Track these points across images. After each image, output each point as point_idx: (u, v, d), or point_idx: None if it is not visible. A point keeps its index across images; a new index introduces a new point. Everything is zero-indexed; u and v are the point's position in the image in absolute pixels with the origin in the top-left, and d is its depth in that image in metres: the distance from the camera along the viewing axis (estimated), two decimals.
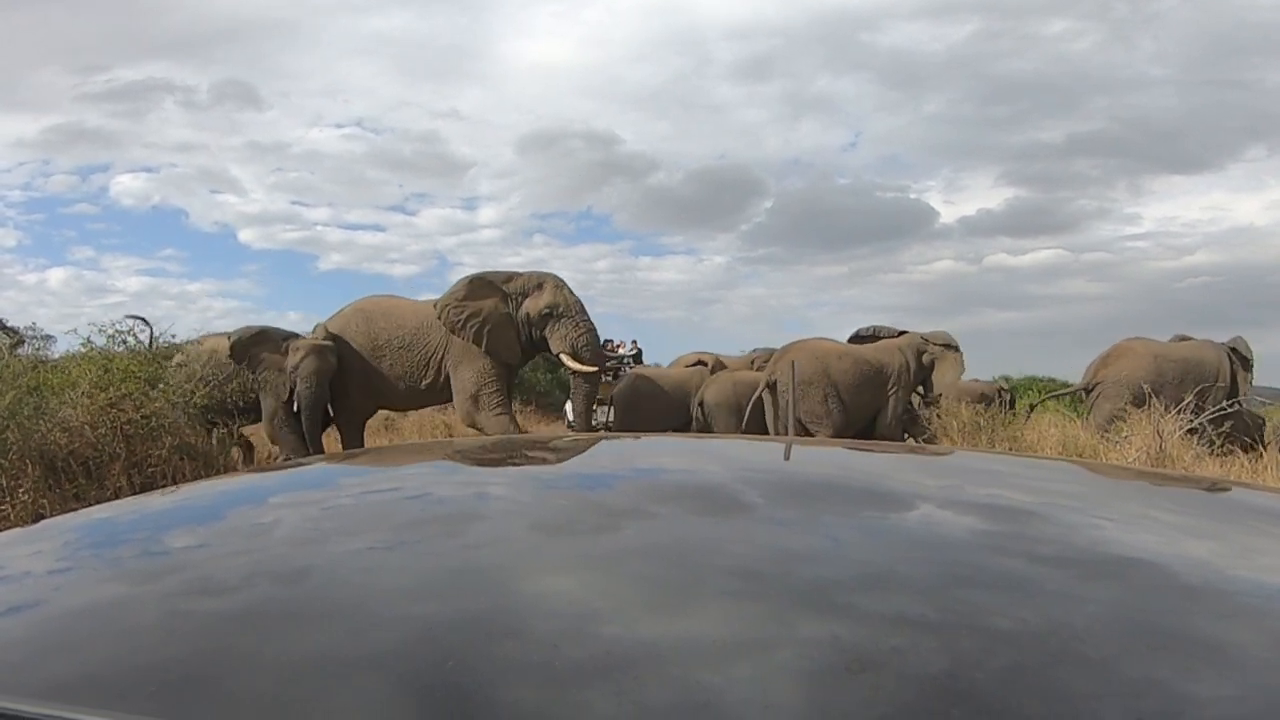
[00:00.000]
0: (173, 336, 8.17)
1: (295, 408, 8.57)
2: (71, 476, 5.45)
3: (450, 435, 10.52)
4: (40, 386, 5.88)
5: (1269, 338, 10.57)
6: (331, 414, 8.79)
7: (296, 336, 8.80)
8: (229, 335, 8.86)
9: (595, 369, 8.78)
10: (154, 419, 5.97)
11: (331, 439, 9.26)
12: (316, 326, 9.01)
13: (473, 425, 8.61)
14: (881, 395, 9.68)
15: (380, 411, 9.99)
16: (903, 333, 10.29)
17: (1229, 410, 9.19)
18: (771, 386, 9.65)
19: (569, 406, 11.11)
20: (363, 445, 8.69)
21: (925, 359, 10.03)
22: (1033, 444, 8.80)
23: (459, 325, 8.45)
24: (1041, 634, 0.56)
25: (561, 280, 8.82)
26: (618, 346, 13.15)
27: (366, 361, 8.71)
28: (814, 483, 1.06)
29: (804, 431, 9.25)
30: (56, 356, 8.53)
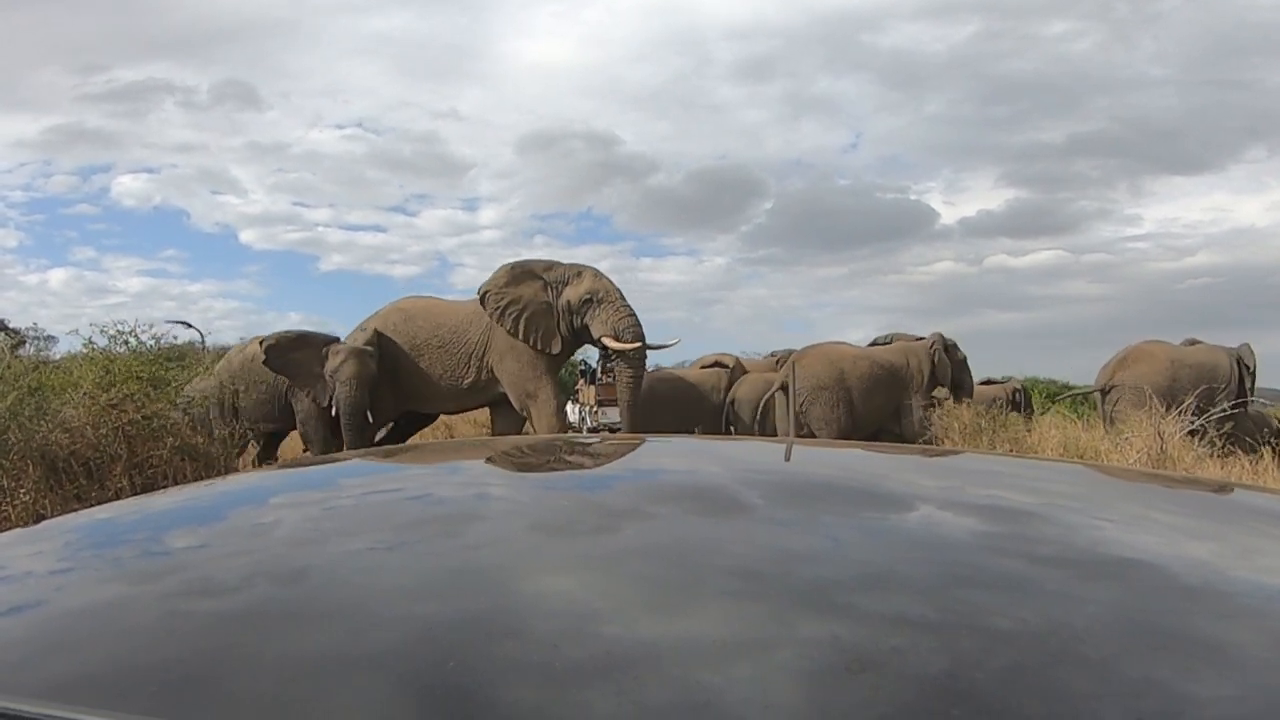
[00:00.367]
0: (174, 338, 8.16)
1: (334, 412, 8.38)
2: (73, 477, 5.46)
3: (450, 435, 10.51)
4: (42, 387, 5.89)
5: (1270, 339, 10.62)
6: (371, 419, 8.58)
7: (336, 340, 8.67)
8: (262, 341, 8.68)
9: (638, 346, 8.62)
10: (155, 420, 5.97)
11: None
12: (356, 329, 8.96)
13: (528, 416, 8.57)
14: (898, 398, 9.68)
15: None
16: (920, 338, 10.31)
17: (1232, 412, 9.20)
18: (785, 388, 9.72)
19: (570, 407, 11.09)
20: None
21: (957, 357, 10.07)
22: (1033, 446, 8.78)
23: (499, 312, 8.39)
24: (1041, 634, 0.56)
25: (599, 270, 8.80)
26: None
27: (408, 361, 8.64)
28: (814, 483, 1.06)
29: (812, 433, 9.31)
30: (58, 357, 8.54)
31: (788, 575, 0.66)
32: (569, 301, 8.54)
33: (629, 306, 8.56)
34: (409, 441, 8.86)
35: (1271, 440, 9.61)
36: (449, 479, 1.12)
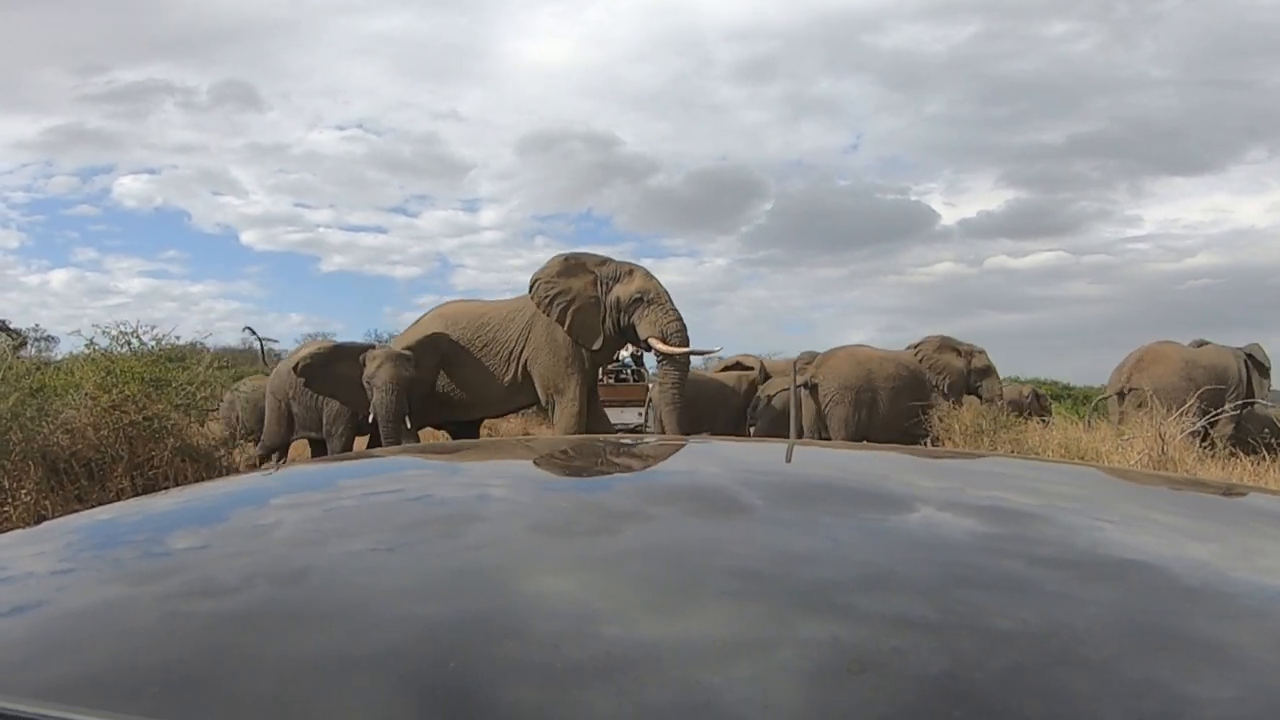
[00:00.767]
0: (176, 338, 8.15)
1: (371, 419, 8.25)
2: (74, 478, 5.47)
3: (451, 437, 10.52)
4: (43, 388, 5.90)
5: (1271, 340, 10.63)
6: (409, 425, 8.43)
7: (371, 348, 8.58)
8: (296, 365, 8.59)
9: (684, 351, 8.59)
10: (156, 421, 5.98)
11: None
12: (397, 338, 8.92)
13: (550, 413, 8.55)
14: (924, 400, 9.69)
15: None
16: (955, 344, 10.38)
17: (1233, 413, 9.20)
18: (811, 389, 9.76)
19: None
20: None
21: (975, 363, 10.09)
22: (1034, 447, 8.78)
23: (548, 302, 8.33)
24: (1042, 635, 0.56)
25: (648, 270, 8.76)
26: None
27: (453, 367, 8.58)
28: (815, 485, 1.06)
29: (831, 432, 9.35)
30: (59, 358, 8.55)
31: (788, 576, 0.66)
32: (618, 299, 8.47)
33: (677, 310, 8.52)
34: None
35: (1274, 441, 9.61)
36: (450, 480, 1.13)
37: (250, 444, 9.51)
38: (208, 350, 9.43)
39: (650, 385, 10.65)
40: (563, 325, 8.32)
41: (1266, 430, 10.05)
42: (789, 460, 1.23)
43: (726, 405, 10.56)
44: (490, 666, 0.51)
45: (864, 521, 0.85)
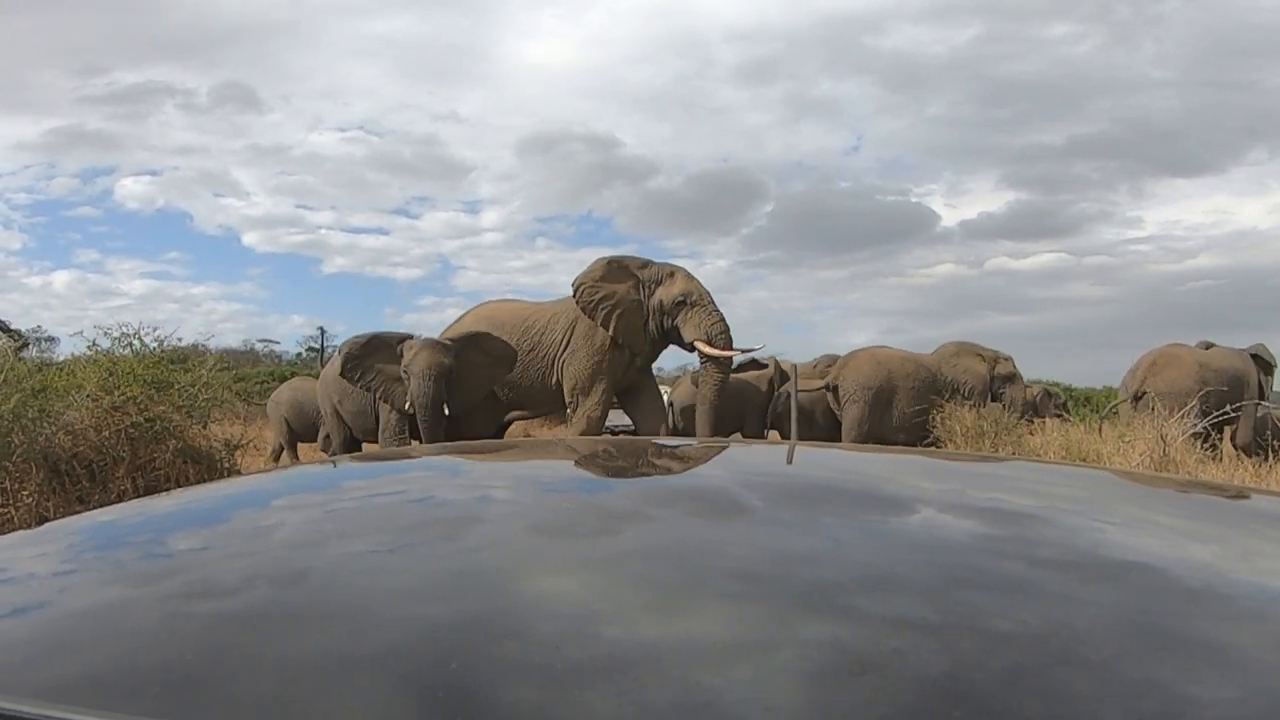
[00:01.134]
0: (178, 340, 8.14)
1: (408, 406, 8.04)
2: (75, 479, 5.47)
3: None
4: (45, 389, 5.90)
5: (1272, 341, 10.63)
6: (447, 411, 8.20)
7: (410, 337, 8.41)
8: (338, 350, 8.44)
9: (730, 354, 8.64)
10: (158, 422, 5.98)
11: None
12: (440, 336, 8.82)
13: (572, 414, 8.55)
14: (942, 403, 9.70)
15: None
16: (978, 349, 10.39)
17: (1234, 414, 9.20)
18: (833, 391, 9.79)
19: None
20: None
21: (1000, 369, 10.10)
22: (1035, 449, 8.78)
23: (592, 306, 8.36)
24: (1043, 636, 0.56)
25: (689, 271, 8.78)
26: None
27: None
28: (816, 486, 1.06)
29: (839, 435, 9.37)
30: (61, 359, 8.55)
31: (789, 577, 0.66)
32: (661, 301, 8.52)
33: (720, 311, 8.56)
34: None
35: (1276, 443, 9.61)
36: (452, 481, 1.13)
37: (290, 454, 9.46)
38: (210, 352, 9.41)
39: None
40: (607, 329, 8.35)
41: (1268, 432, 10.05)
42: (792, 462, 1.23)
43: (753, 405, 10.60)
44: (491, 667, 0.51)
45: (865, 523, 0.85)
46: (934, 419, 9.66)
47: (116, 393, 5.88)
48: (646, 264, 8.73)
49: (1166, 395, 9.37)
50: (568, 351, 8.52)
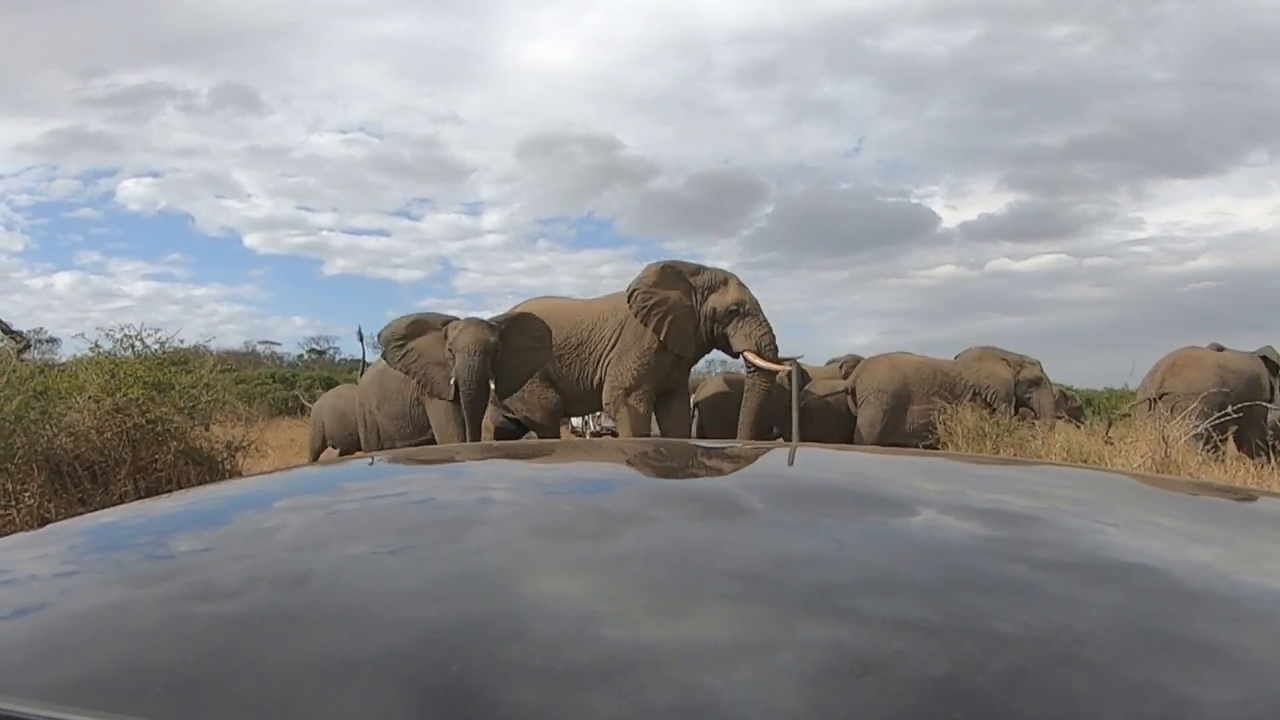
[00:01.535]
0: (180, 342, 8.12)
1: (452, 380, 7.79)
2: (77, 481, 5.47)
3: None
4: (47, 391, 5.91)
5: (1273, 343, 10.63)
6: (493, 389, 8.03)
7: (455, 319, 8.19)
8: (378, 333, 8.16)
9: (780, 368, 8.70)
10: (160, 424, 5.98)
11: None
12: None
13: (613, 415, 8.54)
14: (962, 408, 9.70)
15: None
16: (1009, 356, 10.39)
17: (1236, 416, 9.18)
18: (851, 393, 10.00)
19: (575, 420, 11.06)
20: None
21: (1025, 373, 10.08)
22: (1037, 450, 8.76)
23: (645, 311, 8.36)
24: (1044, 638, 0.56)
25: (740, 279, 8.80)
26: None
27: (549, 366, 8.48)
28: (818, 488, 1.06)
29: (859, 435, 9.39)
30: (63, 361, 8.53)
31: (790, 579, 0.66)
32: (714, 309, 8.54)
33: (768, 322, 8.61)
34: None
35: (1278, 444, 9.59)
36: (454, 482, 1.13)
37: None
38: (211, 353, 9.39)
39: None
40: (659, 335, 8.34)
41: (1270, 433, 10.04)
42: (794, 463, 1.23)
43: (783, 406, 10.63)
44: (493, 669, 0.51)
45: (865, 524, 0.85)
46: (935, 421, 9.66)
47: (118, 394, 5.88)
48: (699, 269, 8.76)
49: (1188, 396, 9.35)
50: (615, 351, 8.52)
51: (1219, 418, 8.76)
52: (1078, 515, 0.91)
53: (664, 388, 8.85)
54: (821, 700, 0.48)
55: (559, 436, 9.03)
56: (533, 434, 8.92)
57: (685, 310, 8.50)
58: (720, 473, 1.18)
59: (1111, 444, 8.49)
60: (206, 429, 6.82)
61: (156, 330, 7.33)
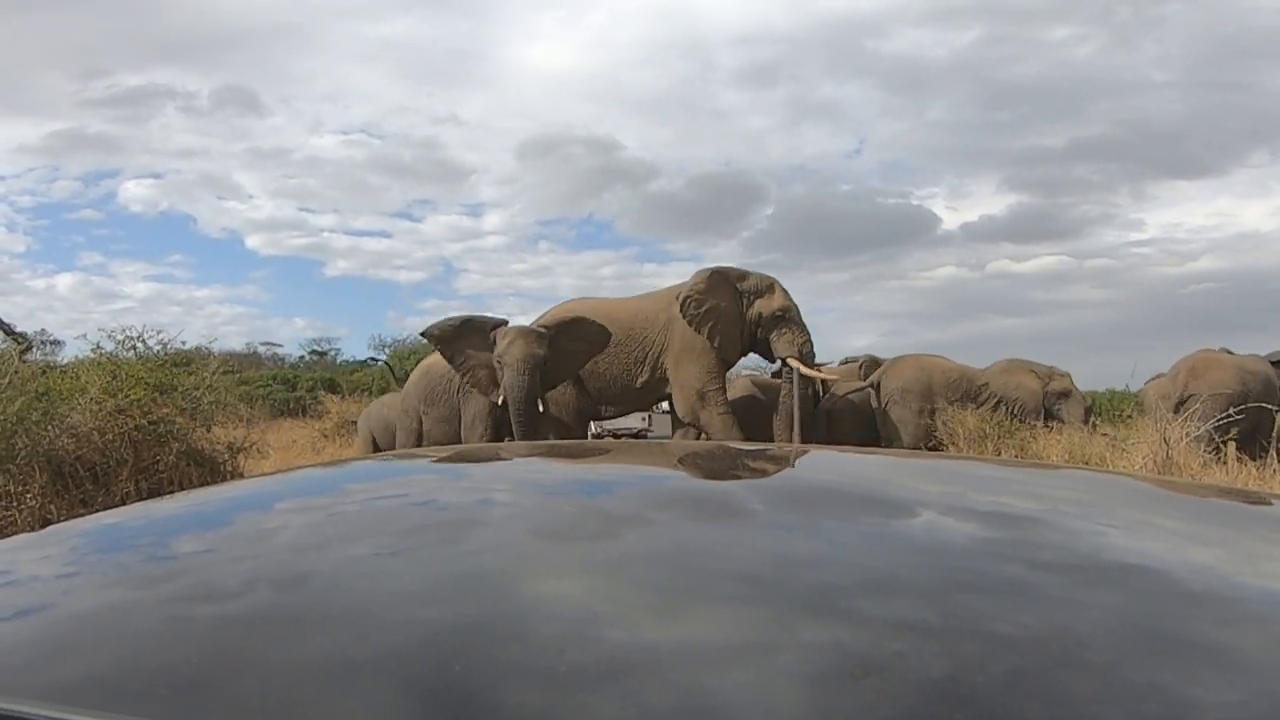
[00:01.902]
0: (182, 343, 8.11)
1: (501, 400, 7.65)
2: (79, 482, 5.48)
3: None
4: (49, 392, 5.92)
5: (1274, 344, 10.67)
6: (541, 407, 7.94)
7: (504, 323, 8.06)
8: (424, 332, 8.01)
9: (824, 376, 8.89)
10: (161, 425, 5.99)
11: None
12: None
13: (695, 423, 8.52)
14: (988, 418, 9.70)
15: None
16: (1040, 367, 10.44)
17: (1238, 418, 9.18)
18: (875, 390, 10.15)
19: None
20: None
21: (1054, 385, 10.09)
22: (1039, 452, 8.76)
23: (697, 317, 8.39)
24: (1045, 639, 0.56)
25: (783, 285, 8.90)
26: None
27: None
28: (820, 489, 1.06)
29: (890, 435, 9.43)
30: (65, 362, 8.54)
31: (792, 580, 0.66)
32: (760, 314, 8.63)
33: (808, 329, 8.73)
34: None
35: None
36: (457, 484, 1.13)
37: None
38: (213, 355, 9.39)
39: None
40: (713, 341, 8.41)
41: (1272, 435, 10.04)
42: (796, 465, 1.23)
43: (807, 408, 10.66)
44: (495, 670, 0.51)
45: (867, 526, 0.85)
46: (936, 423, 9.67)
47: (120, 396, 5.89)
48: (745, 275, 8.85)
49: (1213, 398, 9.35)
50: (670, 357, 8.54)
51: (1224, 418, 8.75)
52: (1078, 517, 0.91)
53: None
54: (823, 702, 0.48)
55: (585, 437, 8.96)
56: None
57: (734, 315, 8.58)
58: (728, 475, 1.18)
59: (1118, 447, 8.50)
60: (208, 430, 6.83)
61: (158, 331, 7.34)
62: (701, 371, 8.41)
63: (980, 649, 0.54)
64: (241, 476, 5.79)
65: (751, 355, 9.38)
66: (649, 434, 10.57)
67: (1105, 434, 9.68)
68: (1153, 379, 10.77)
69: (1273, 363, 10.44)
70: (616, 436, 9.49)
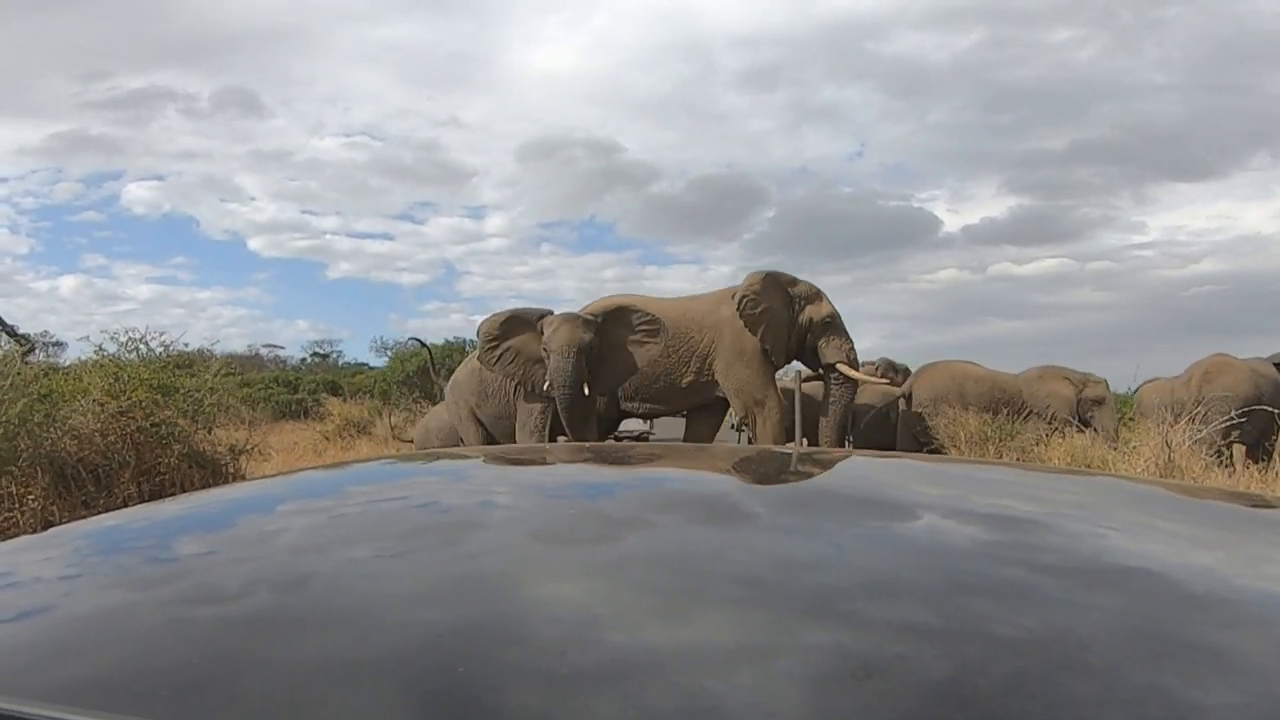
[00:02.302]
0: (184, 345, 8.10)
1: (547, 386, 7.50)
2: (81, 484, 5.48)
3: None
4: (51, 394, 5.92)
5: (1276, 346, 10.67)
6: (587, 391, 7.77)
7: (549, 313, 7.92)
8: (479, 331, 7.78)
9: (873, 381, 9.06)
10: (164, 427, 5.99)
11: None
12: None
13: (750, 423, 8.52)
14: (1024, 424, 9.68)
15: None
16: (1071, 373, 10.44)
17: (1241, 421, 9.17)
18: (906, 399, 10.15)
19: None
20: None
21: (1088, 392, 10.06)
22: (1040, 455, 8.74)
23: (754, 319, 8.39)
24: (1047, 642, 0.56)
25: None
26: None
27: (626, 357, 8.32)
28: (821, 492, 1.06)
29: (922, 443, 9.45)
30: (67, 364, 8.54)
31: (793, 582, 0.66)
32: (810, 319, 8.65)
33: (850, 336, 8.84)
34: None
35: None
36: (459, 486, 1.13)
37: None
38: (215, 357, 9.37)
39: None
40: (764, 343, 8.40)
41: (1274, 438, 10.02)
42: (800, 467, 1.23)
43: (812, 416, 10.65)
44: (498, 671, 0.51)
45: (868, 528, 0.85)
46: (938, 426, 9.65)
47: (122, 397, 5.89)
48: (795, 280, 8.85)
49: (1228, 401, 9.35)
50: (719, 358, 8.50)
51: (1226, 421, 8.72)
52: (1080, 520, 0.91)
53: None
54: (825, 704, 0.48)
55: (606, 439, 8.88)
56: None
57: (785, 320, 8.59)
58: (736, 477, 1.18)
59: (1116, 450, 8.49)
60: (210, 432, 6.83)
61: (161, 333, 7.33)
62: (755, 376, 8.41)
63: (982, 651, 0.54)
64: (243, 478, 5.80)
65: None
66: (649, 436, 10.51)
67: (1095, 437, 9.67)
68: (1147, 382, 10.77)
69: (1276, 365, 10.43)
70: (617, 438, 9.45)
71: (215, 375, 7.34)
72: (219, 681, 0.51)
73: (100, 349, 6.84)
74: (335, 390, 21.69)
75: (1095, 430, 9.93)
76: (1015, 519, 0.90)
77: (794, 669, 0.51)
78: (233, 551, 0.80)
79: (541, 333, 7.78)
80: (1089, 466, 7.48)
